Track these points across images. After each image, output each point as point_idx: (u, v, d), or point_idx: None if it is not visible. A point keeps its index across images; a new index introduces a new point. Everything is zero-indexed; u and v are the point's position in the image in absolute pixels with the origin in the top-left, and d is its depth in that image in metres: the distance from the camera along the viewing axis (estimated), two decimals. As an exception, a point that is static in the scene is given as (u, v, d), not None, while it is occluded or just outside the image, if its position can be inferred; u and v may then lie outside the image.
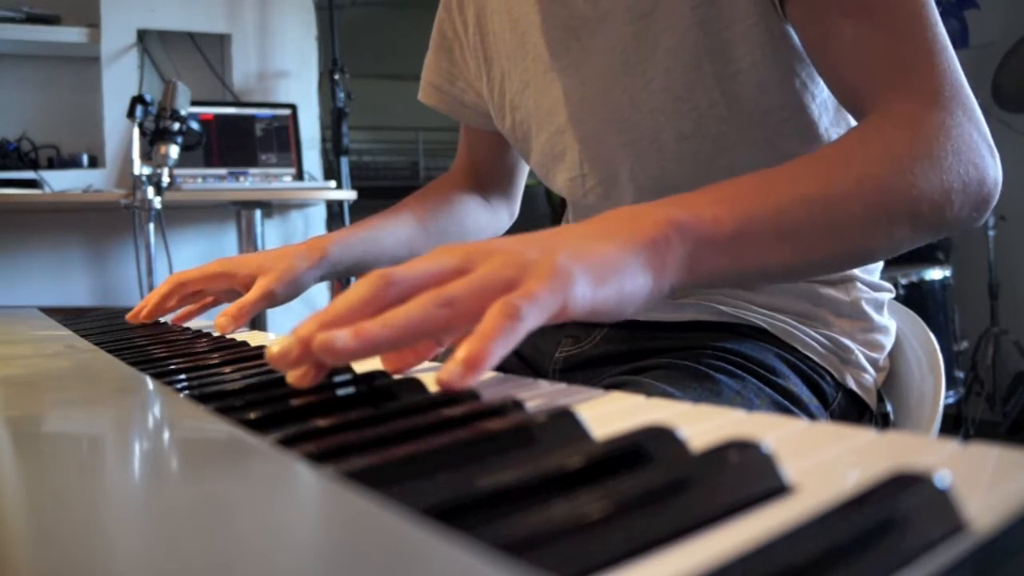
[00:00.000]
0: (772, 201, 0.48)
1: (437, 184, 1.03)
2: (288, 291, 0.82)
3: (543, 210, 3.97)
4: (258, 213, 2.39)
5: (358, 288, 0.36)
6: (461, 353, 0.33)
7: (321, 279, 0.87)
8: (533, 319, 0.34)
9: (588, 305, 0.37)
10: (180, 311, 0.84)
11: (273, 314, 2.38)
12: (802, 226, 0.48)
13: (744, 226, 0.46)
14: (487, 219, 1.03)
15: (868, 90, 0.60)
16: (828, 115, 0.70)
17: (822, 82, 0.67)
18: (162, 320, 0.86)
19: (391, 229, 0.93)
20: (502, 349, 0.33)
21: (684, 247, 0.43)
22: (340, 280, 2.50)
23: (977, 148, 0.55)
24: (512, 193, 1.06)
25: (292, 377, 0.37)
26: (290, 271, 0.81)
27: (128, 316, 0.84)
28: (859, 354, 0.72)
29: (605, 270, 0.39)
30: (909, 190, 0.51)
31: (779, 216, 0.47)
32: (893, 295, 0.79)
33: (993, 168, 0.56)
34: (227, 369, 0.48)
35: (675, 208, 0.44)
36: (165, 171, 1.91)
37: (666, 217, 0.43)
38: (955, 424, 2.76)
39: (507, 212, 1.07)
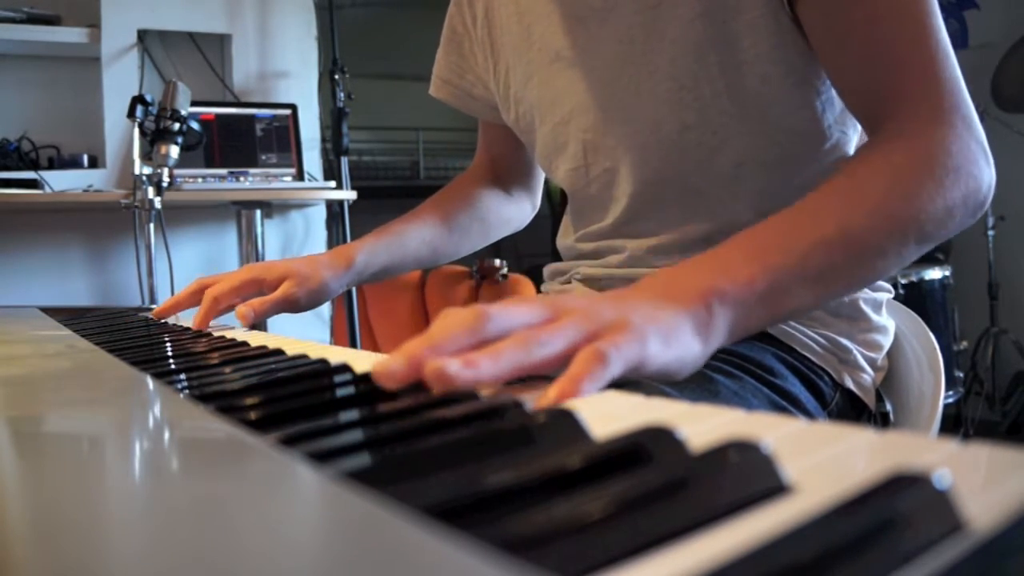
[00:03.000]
0: (796, 249, 0.52)
1: (458, 182, 1.04)
2: (311, 298, 0.85)
3: (543, 210, 3.96)
4: (258, 213, 2.38)
5: (458, 318, 0.38)
6: (554, 392, 0.35)
7: (347, 287, 0.90)
8: (617, 366, 0.37)
9: (661, 364, 0.41)
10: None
11: (274, 316, 2.37)
12: (824, 268, 0.52)
13: (774, 281, 0.50)
14: (510, 211, 1.04)
15: (873, 99, 0.62)
16: (833, 112, 0.70)
17: (828, 79, 0.67)
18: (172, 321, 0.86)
19: (414, 233, 0.94)
20: (590, 390, 0.36)
21: (726, 314, 0.47)
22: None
23: (976, 159, 0.58)
24: (532, 185, 1.07)
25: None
26: (314, 279, 0.84)
27: (154, 313, 0.85)
28: (857, 354, 0.72)
29: (670, 334, 0.42)
30: (917, 215, 0.54)
31: (804, 263, 0.51)
32: (892, 295, 0.79)
33: (988, 174, 0.59)
34: (227, 369, 0.48)
35: (714, 275, 0.48)
36: (165, 171, 1.91)
37: (709, 287, 0.47)
38: (955, 424, 2.76)
39: (529, 203, 1.08)
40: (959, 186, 0.56)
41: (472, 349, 0.37)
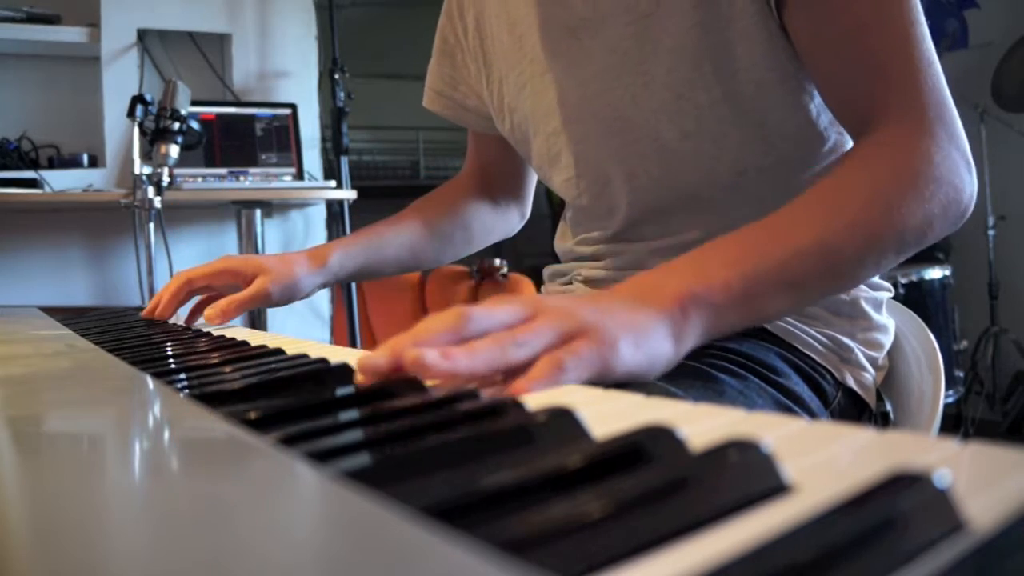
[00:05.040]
0: (773, 256, 0.53)
1: (444, 189, 1.04)
2: (284, 293, 0.86)
3: (543, 210, 3.97)
4: (258, 213, 2.38)
5: (440, 318, 0.41)
6: (508, 389, 0.37)
7: (323, 286, 0.91)
8: (574, 373, 0.39)
9: (626, 367, 0.43)
10: (191, 307, 0.86)
11: (274, 316, 2.38)
12: (800, 276, 0.54)
13: (750, 285, 0.51)
14: (493, 221, 1.04)
15: (858, 107, 0.62)
16: (828, 114, 0.70)
17: None
18: (171, 320, 0.87)
19: (393, 236, 0.95)
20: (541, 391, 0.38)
21: (700, 316, 0.48)
22: (341, 286, 2.51)
23: (957, 169, 0.59)
24: (522, 194, 1.07)
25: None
26: (287, 275, 0.85)
27: (144, 313, 0.87)
28: (858, 353, 0.72)
29: (641, 337, 0.44)
30: (896, 226, 0.56)
31: (781, 270, 0.52)
32: (892, 294, 0.79)
33: (970, 184, 0.60)
34: (227, 369, 0.48)
35: (690, 278, 0.50)
36: (165, 171, 1.91)
37: (684, 290, 0.48)
38: (955, 423, 2.76)
39: (518, 212, 1.08)
40: (939, 197, 0.57)
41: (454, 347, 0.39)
